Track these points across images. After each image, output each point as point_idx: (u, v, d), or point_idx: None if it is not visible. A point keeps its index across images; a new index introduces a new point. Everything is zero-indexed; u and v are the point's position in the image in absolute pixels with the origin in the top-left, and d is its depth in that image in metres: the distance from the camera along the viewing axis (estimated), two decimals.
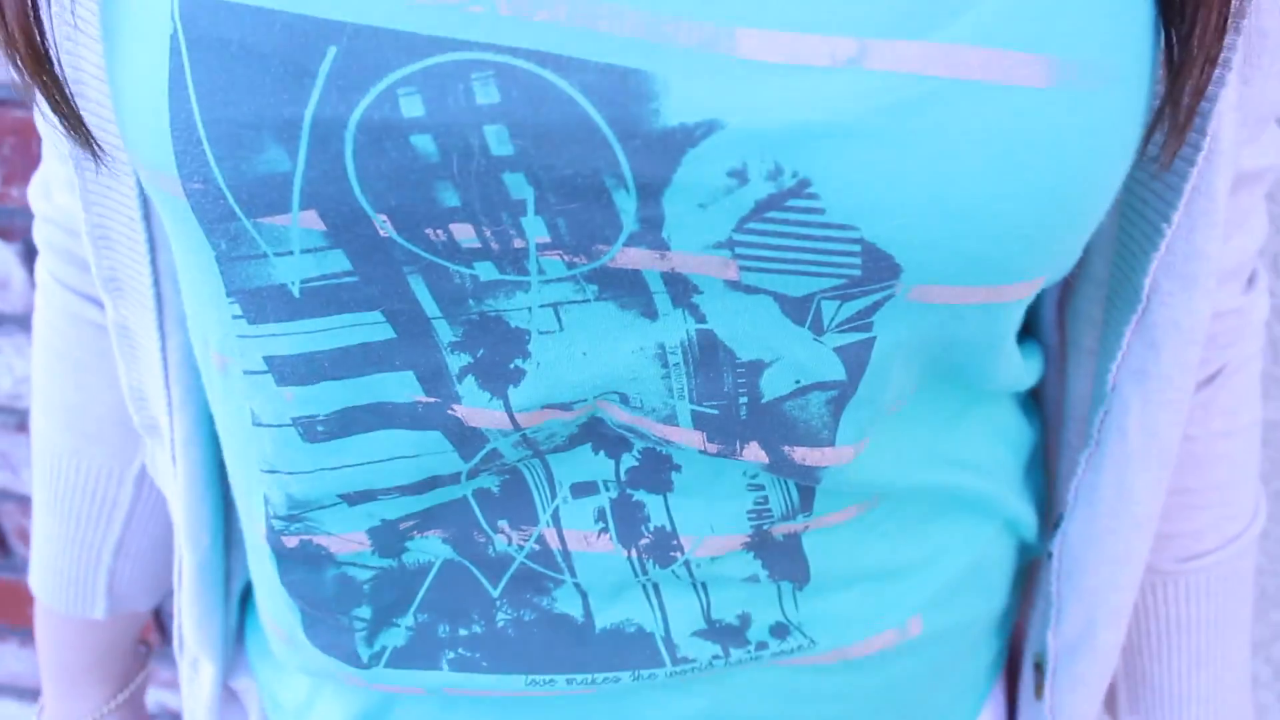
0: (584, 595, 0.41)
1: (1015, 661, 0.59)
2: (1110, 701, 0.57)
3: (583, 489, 0.39)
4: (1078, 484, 0.46)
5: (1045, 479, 0.52)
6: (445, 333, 0.34)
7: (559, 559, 0.40)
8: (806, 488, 0.39)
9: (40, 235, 0.52)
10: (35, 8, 0.33)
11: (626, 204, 0.30)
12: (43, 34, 0.33)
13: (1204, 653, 0.53)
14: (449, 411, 0.36)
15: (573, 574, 0.41)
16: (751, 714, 0.45)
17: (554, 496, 0.39)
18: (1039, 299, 0.47)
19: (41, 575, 0.57)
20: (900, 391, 0.37)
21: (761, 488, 0.39)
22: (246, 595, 0.55)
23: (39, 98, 0.35)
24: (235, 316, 0.36)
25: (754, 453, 0.36)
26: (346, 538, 0.40)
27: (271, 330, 0.35)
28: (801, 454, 0.36)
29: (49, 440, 0.54)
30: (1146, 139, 0.34)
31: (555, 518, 0.40)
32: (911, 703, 0.48)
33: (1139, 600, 0.53)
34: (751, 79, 0.28)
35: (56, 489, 0.55)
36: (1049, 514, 0.52)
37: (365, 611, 0.42)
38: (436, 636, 0.42)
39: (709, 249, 0.31)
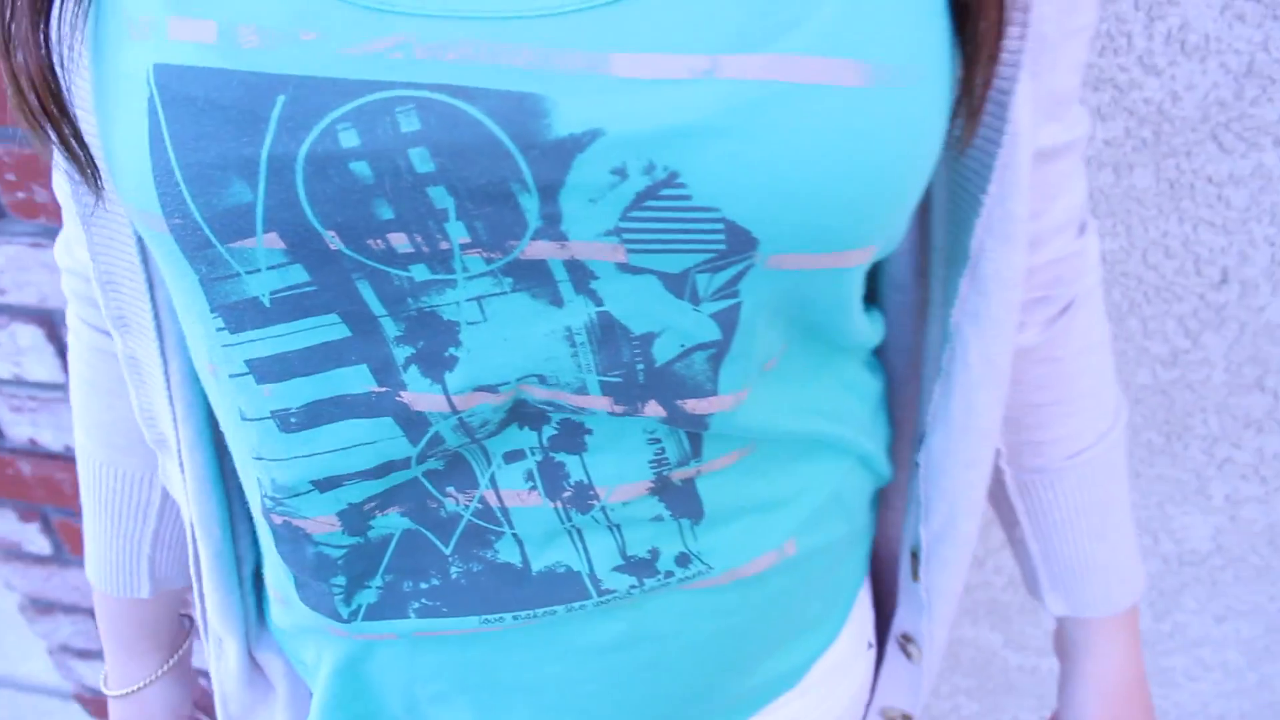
0: (521, 544, 0.48)
1: (879, 568, 0.67)
2: (1033, 585, 0.65)
3: (513, 456, 0.45)
4: (934, 408, 0.53)
5: (890, 422, 0.60)
6: (390, 328, 0.40)
7: (499, 514, 0.47)
8: (696, 436, 0.45)
9: (66, 285, 0.60)
10: (53, 70, 0.39)
11: (530, 204, 0.36)
12: (60, 90, 0.40)
13: (1100, 529, 0.61)
14: (397, 399, 0.42)
15: (511, 526, 0.47)
16: (662, 632, 0.51)
17: (490, 465, 0.45)
18: (899, 265, 0.53)
19: (95, 566, 0.66)
20: (769, 349, 0.43)
21: (659, 441, 0.45)
22: (258, 578, 0.61)
23: (56, 142, 0.41)
24: (219, 329, 0.42)
25: (653, 409, 0.42)
26: (320, 520, 0.47)
27: (250, 337, 0.41)
28: (692, 405, 0.42)
29: (89, 454, 0.63)
30: (952, 126, 0.41)
31: (493, 481, 0.45)
32: (792, 609, 0.56)
33: (1042, 496, 0.61)
34: (625, 93, 0.34)
35: (99, 494, 0.64)
36: (900, 441, 0.60)
37: (341, 580, 0.49)
38: (402, 592, 0.49)
39: (600, 236, 0.37)
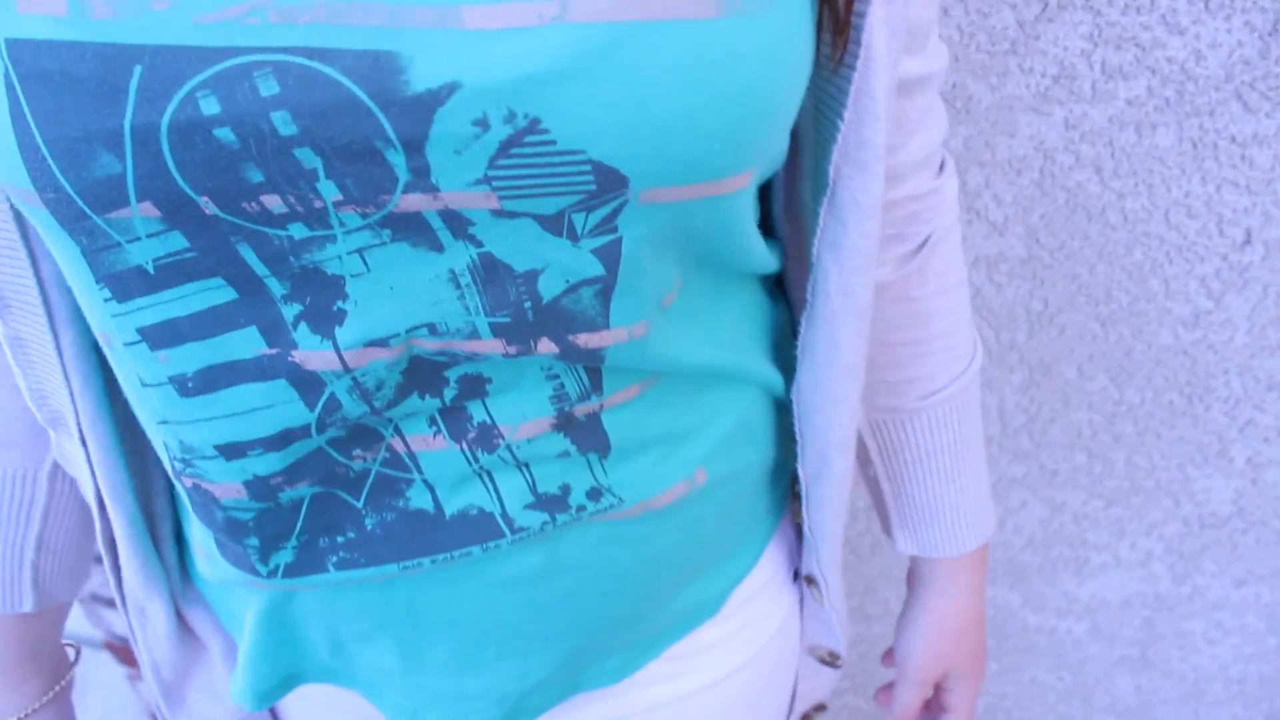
0: (432, 489, 0.48)
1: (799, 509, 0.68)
2: (885, 524, 0.67)
3: (414, 414, 0.45)
4: (801, 342, 0.54)
5: (793, 352, 0.59)
6: (276, 288, 0.40)
7: (407, 460, 0.46)
8: (594, 370, 0.45)
9: None
10: None
11: (397, 160, 0.36)
12: None
13: (950, 471, 0.62)
14: (290, 359, 0.42)
15: (420, 472, 0.47)
16: (578, 563, 0.52)
17: (390, 423, 0.45)
18: (771, 197, 0.54)
19: None
20: (663, 282, 0.44)
21: (557, 377, 0.45)
22: (178, 537, 0.60)
23: None
24: (106, 299, 0.42)
25: (546, 346, 0.43)
26: (226, 486, 0.46)
27: (138, 305, 0.41)
28: (584, 339, 0.43)
29: None
30: (818, 49, 0.42)
31: (398, 430, 0.46)
32: (706, 536, 0.56)
33: (894, 436, 0.62)
34: (478, 45, 0.34)
35: None
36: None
37: (254, 541, 0.49)
38: (319, 548, 0.49)
39: (470, 186, 0.37)
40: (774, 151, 0.43)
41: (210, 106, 0.35)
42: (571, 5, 0.35)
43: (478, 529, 0.49)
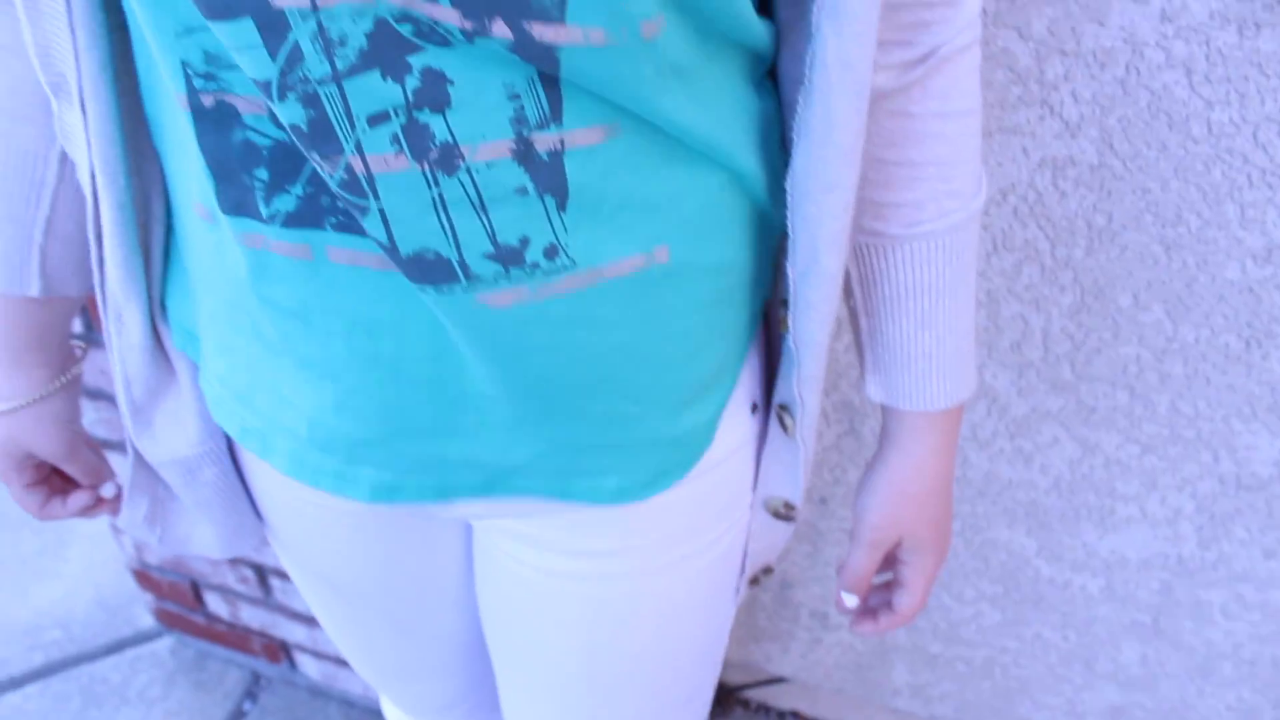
0: (386, 222, 0.47)
1: (774, 333, 0.66)
2: (862, 366, 0.64)
3: (378, 119, 0.45)
4: (797, 120, 0.52)
5: (783, 156, 0.58)
6: None
7: (364, 183, 0.46)
8: (553, 91, 0.45)
9: None
10: None
11: None
12: None
13: (928, 315, 0.60)
14: None
15: (377, 198, 0.47)
16: (544, 345, 0.52)
17: (354, 129, 0.45)
18: None
19: None
20: (640, 7, 0.43)
21: (518, 98, 0.45)
22: (164, 254, 0.62)
23: None
24: None
25: (501, 30, 0.42)
26: (250, 99, 0.47)
27: None
28: (539, 30, 0.43)
29: None
30: None
31: (358, 147, 0.45)
32: (679, 337, 0.55)
33: (875, 264, 0.60)
34: None
35: None
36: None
37: (264, 173, 0.49)
38: (320, 205, 0.49)
39: None
40: None
41: None
42: None
43: (433, 271, 0.48)
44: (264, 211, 0.50)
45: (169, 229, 0.61)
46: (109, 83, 0.54)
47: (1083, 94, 0.83)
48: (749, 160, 0.54)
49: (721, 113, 0.51)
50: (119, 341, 0.63)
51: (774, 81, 0.57)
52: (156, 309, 0.63)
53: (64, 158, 0.62)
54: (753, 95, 0.54)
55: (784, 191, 0.58)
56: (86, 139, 0.55)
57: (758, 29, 0.51)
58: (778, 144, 0.57)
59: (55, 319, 0.68)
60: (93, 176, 0.56)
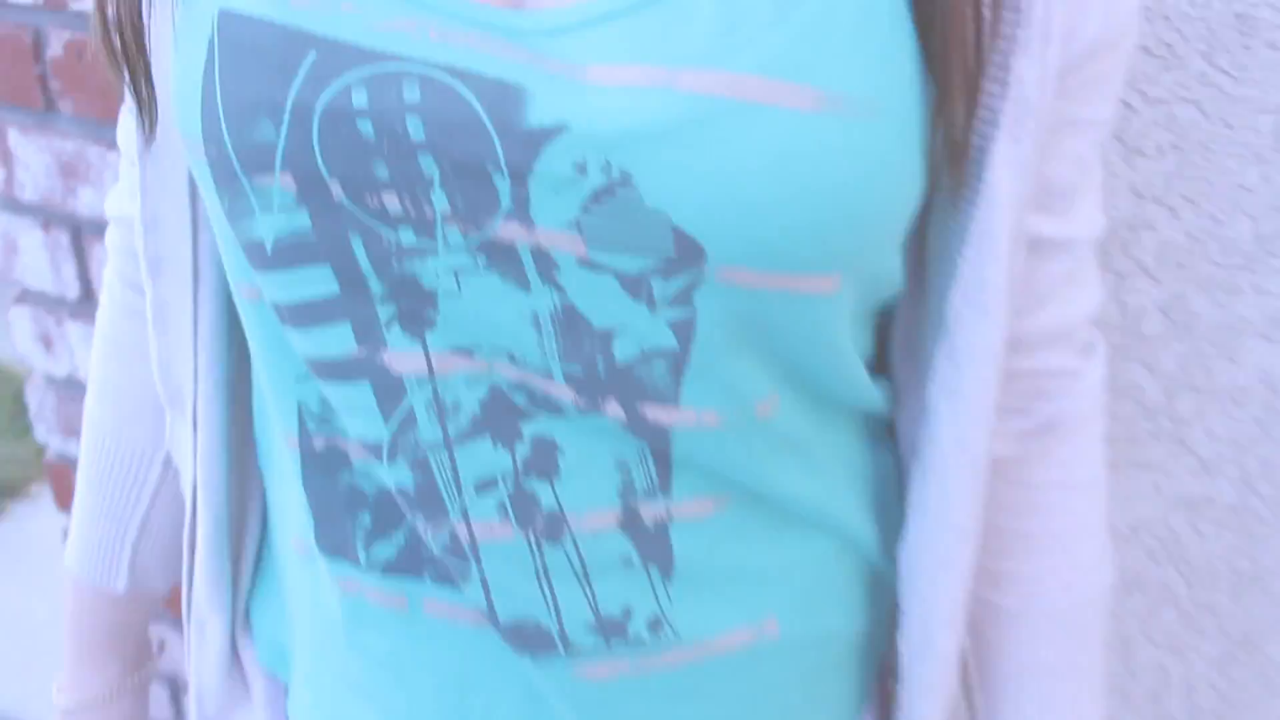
0: (486, 589, 0.47)
1: (888, 700, 0.60)
2: None
3: (485, 486, 0.45)
4: (913, 495, 0.51)
5: (896, 513, 0.55)
6: (375, 286, 0.43)
7: (467, 550, 0.46)
8: (663, 464, 0.45)
9: (110, 238, 0.63)
10: (140, 14, 0.46)
11: (503, 185, 0.39)
12: (143, 31, 0.46)
13: (1049, 700, 0.56)
14: (377, 360, 0.44)
15: (479, 564, 0.46)
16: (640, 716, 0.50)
17: (460, 494, 0.45)
18: (890, 338, 0.52)
19: (75, 546, 0.65)
20: (746, 381, 0.44)
21: (628, 469, 0.45)
22: (255, 563, 0.61)
23: (128, 80, 0.47)
24: (243, 263, 0.45)
25: (614, 410, 0.43)
26: (362, 444, 0.47)
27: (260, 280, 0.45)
28: (652, 412, 0.43)
29: (96, 419, 0.64)
30: (932, 173, 0.42)
31: (464, 514, 0.46)
32: (778, 706, 0.52)
33: (991, 637, 0.56)
34: (592, 95, 0.38)
35: (98, 463, 0.64)
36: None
37: (366, 520, 0.49)
38: (420, 555, 0.49)
39: (563, 226, 0.40)
40: (866, 265, 0.43)
41: (360, 100, 0.39)
42: (681, 76, 0.38)
43: (532, 641, 0.48)
44: (363, 558, 0.50)
45: (262, 542, 0.61)
46: (223, 405, 0.55)
47: (1217, 431, 0.79)
48: (863, 525, 0.53)
49: (835, 479, 0.51)
50: (198, 654, 0.62)
51: (892, 436, 0.56)
52: (239, 623, 0.62)
53: (168, 460, 0.62)
54: (868, 455, 0.53)
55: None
56: (194, 454, 0.55)
57: (873, 394, 0.50)
58: (895, 501, 0.55)
59: (135, 617, 0.68)
60: (194, 489, 0.56)
